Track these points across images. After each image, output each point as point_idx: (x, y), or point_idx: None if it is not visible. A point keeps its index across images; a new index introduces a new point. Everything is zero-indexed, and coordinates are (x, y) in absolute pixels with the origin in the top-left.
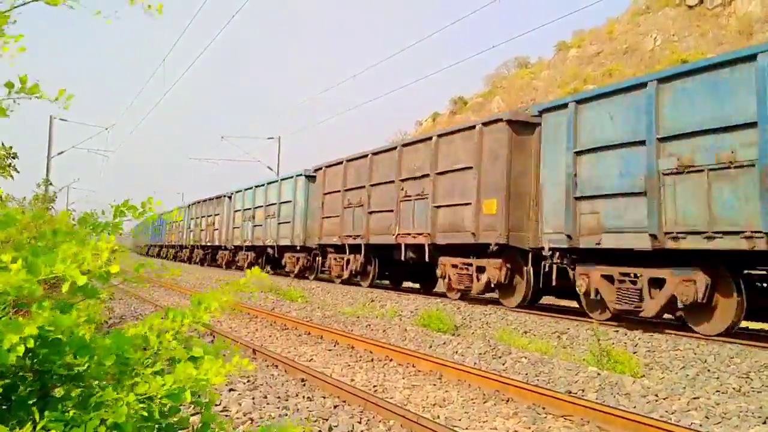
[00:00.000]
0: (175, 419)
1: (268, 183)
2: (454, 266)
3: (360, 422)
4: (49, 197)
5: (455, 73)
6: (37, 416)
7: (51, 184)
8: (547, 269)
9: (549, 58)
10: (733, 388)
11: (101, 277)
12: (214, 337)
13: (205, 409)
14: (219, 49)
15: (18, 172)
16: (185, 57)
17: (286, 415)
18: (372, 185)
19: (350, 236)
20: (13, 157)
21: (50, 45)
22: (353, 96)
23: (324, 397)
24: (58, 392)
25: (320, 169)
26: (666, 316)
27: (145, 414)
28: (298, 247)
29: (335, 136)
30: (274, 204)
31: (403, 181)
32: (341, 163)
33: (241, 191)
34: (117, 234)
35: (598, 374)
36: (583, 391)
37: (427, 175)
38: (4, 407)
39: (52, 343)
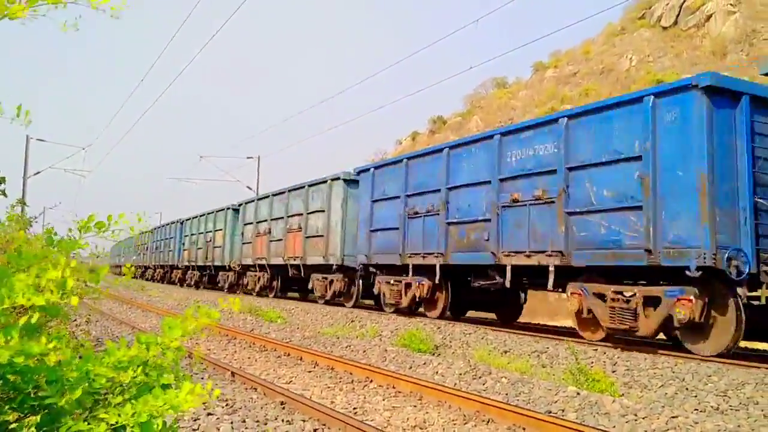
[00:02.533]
0: None
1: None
2: None
3: None
4: (26, 220)
5: (434, 93)
6: None
7: (26, 204)
8: None
9: (526, 79)
10: (712, 407)
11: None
12: (191, 358)
13: None
14: (197, 70)
15: (6, 196)
16: (163, 78)
17: None
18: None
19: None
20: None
21: (26, 64)
22: (332, 116)
23: (304, 420)
24: (28, 422)
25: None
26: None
27: None
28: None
29: (315, 156)
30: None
31: None
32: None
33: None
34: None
35: (578, 394)
36: (563, 411)
37: None
38: None
39: (20, 371)
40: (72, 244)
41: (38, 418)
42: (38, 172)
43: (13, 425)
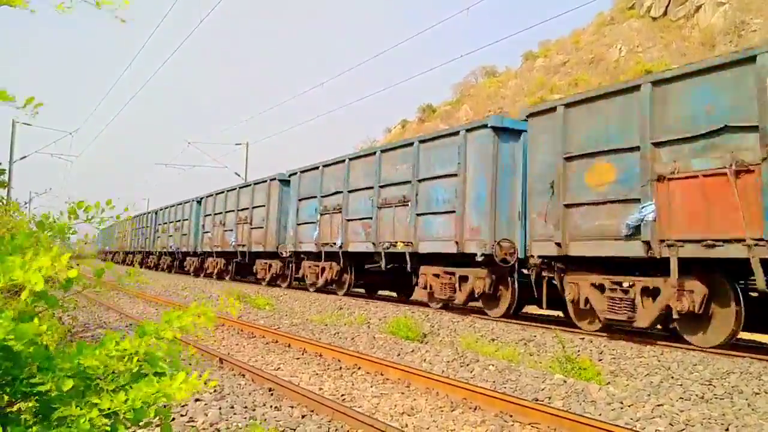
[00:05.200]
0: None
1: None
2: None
3: None
4: (14, 203)
5: (424, 82)
6: None
7: (10, 186)
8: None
9: (516, 68)
10: (697, 395)
11: (63, 285)
12: (182, 349)
13: (164, 422)
14: (186, 55)
15: (4, 187)
16: (152, 62)
17: (253, 425)
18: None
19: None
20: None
21: (12, 46)
22: (322, 103)
23: (292, 407)
24: (20, 407)
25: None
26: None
27: (108, 429)
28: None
29: (304, 143)
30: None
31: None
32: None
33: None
34: (82, 242)
35: (565, 381)
36: (549, 398)
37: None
38: None
39: (14, 356)
40: (62, 228)
41: (31, 403)
42: (24, 157)
43: (8, 409)
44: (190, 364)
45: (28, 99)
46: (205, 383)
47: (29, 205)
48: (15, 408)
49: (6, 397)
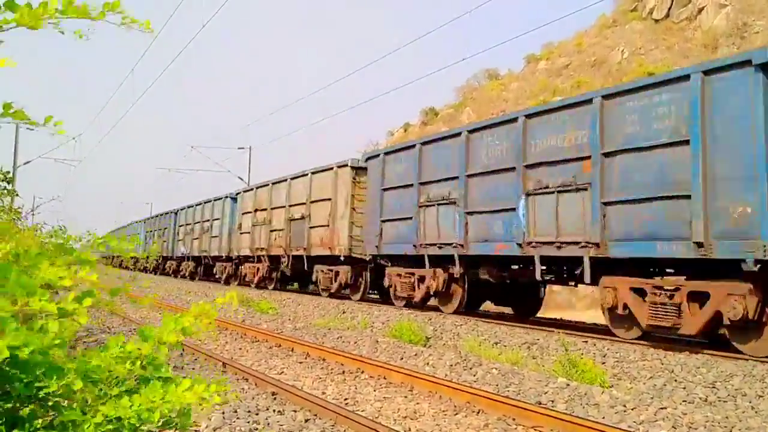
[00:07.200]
0: None
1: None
2: None
3: None
4: (18, 212)
5: (426, 85)
6: None
7: (17, 195)
8: None
9: (519, 71)
10: (700, 398)
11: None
12: (183, 350)
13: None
14: (188, 58)
15: (18, 195)
16: (155, 66)
17: (257, 430)
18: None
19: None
20: (8, 182)
21: (15, 50)
22: (324, 107)
23: (295, 411)
24: (24, 413)
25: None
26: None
27: None
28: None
29: (307, 147)
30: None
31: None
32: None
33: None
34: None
35: (568, 385)
36: (552, 402)
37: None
38: None
39: (20, 363)
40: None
41: (36, 408)
42: (28, 162)
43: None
44: (193, 368)
45: (47, 118)
46: (217, 394)
47: (33, 214)
48: (22, 412)
49: (6, 404)
